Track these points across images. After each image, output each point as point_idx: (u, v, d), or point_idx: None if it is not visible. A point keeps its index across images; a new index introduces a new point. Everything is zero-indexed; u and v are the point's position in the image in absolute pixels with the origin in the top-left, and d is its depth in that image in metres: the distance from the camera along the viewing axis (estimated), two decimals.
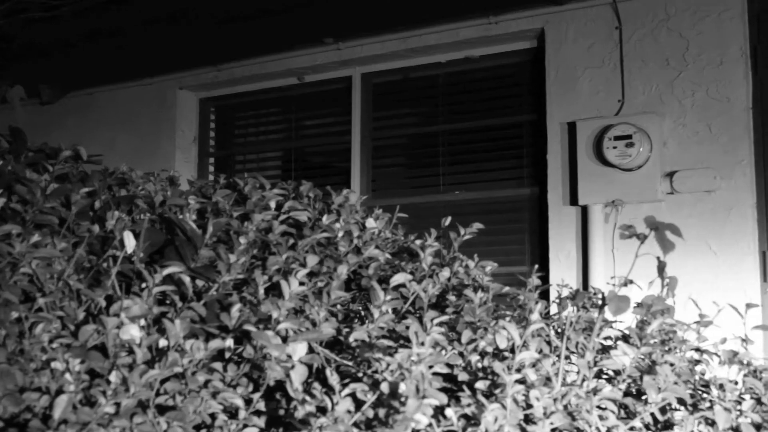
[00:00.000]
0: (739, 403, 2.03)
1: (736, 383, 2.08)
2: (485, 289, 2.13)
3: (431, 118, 5.99)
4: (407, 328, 1.77)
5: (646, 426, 1.96)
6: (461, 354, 1.90)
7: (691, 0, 4.80)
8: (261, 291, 1.84)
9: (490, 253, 2.76)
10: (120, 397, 1.47)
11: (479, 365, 1.89)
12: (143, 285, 1.69)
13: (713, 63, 4.70)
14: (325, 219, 2.34)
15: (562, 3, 5.15)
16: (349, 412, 1.54)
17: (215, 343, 1.62)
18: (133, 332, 1.53)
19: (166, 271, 1.71)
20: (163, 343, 1.60)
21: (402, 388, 1.51)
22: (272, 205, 2.37)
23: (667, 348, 2.14)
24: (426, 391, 1.53)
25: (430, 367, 1.62)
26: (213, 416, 1.62)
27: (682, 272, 4.45)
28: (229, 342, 1.68)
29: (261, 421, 1.65)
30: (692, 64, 4.76)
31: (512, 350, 1.76)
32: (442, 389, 1.66)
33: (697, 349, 2.24)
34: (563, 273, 4.92)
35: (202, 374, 1.60)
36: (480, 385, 1.75)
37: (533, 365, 1.79)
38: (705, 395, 2.09)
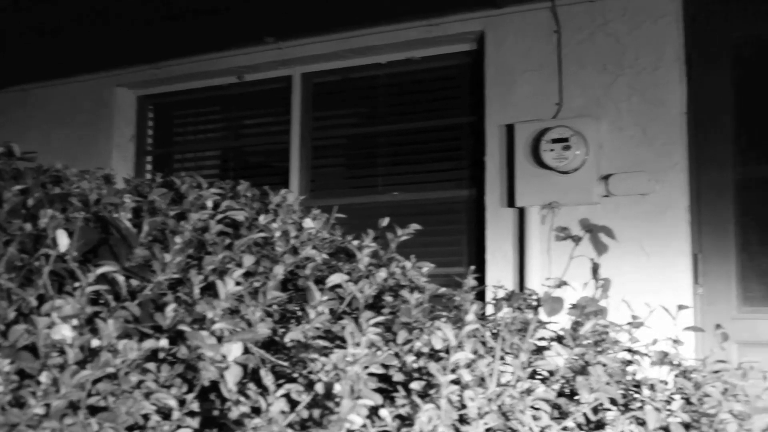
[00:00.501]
0: (669, 402, 2.06)
1: (667, 383, 2.12)
2: (421, 290, 2.14)
3: (371, 119, 5.99)
4: (343, 328, 1.77)
5: (579, 426, 1.99)
6: (397, 354, 1.90)
7: (628, 5, 4.86)
8: (196, 291, 1.83)
9: (427, 254, 2.77)
10: (50, 398, 1.45)
11: (415, 366, 1.89)
12: (76, 284, 1.67)
13: (649, 68, 4.77)
14: (262, 219, 2.33)
15: (501, 6, 5.18)
16: (283, 412, 1.53)
17: (149, 344, 1.60)
18: (64, 332, 1.51)
19: (100, 270, 1.69)
20: (95, 343, 1.58)
21: (337, 388, 1.51)
22: (209, 204, 2.35)
23: (600, 349, 2.17)
24: (361, 392, 1.53)
25: (366, 367, 1.62)
26: (146, 417, 1.60)
27: (616, 274, 4.50)
28: (164, 342, 1.66)
29: (195, 422, 1.63)
30: (629, 69, 4.82)
31: (448, 351, 1.77)
32: (378, 390, 1.66)
33: (629, 350, 2.27)
34: (500, 274, 4.95)
35: (135, 375, 1.59)
36: (415, 385, 1.76)
37: (468, 366, 1.80)
38: (636, 395, 2.12)
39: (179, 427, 1.60)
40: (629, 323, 2.28)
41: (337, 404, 1.50)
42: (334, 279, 2.01)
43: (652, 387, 2.06)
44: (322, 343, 1.83)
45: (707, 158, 4.67)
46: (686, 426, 2.02)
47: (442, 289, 2.34)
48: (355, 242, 2.45)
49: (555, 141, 4.77)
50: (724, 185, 4.63)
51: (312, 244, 2.39)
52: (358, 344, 1.70)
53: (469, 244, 5.37)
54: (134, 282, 1.86)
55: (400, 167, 5.77)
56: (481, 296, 2.77)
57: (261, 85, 6.33)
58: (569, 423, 1.92)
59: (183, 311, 1.73)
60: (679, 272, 4.58)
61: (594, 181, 4.77)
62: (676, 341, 2.27)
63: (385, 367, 1.85)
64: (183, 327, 1.63)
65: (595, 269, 2.06)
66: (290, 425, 1.57)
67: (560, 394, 2.02)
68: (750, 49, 4.72)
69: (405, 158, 5.76)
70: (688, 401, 2.09)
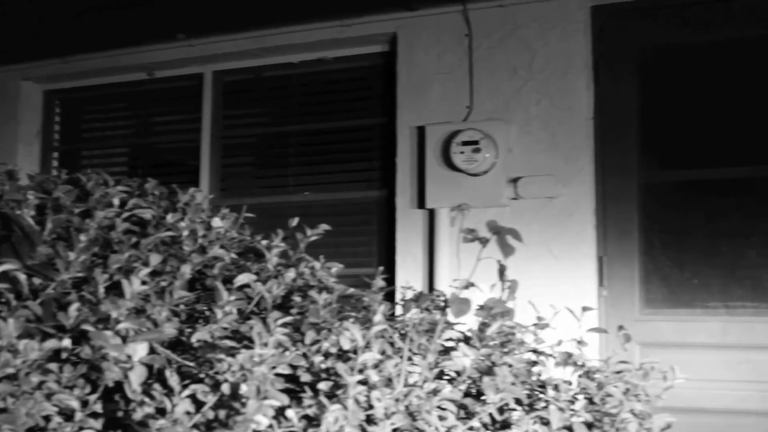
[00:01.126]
0: (573, 402, 2.10)
1: (571, 384, 2.16)
2: (330, 291, 2.14)
3: (283, 119, 5.97)
4: (251, 328, 1.76)
5: (485, 426, 2.01)
6: (305, 355, 1.90)
7: (538, 12, 4.92)
8: (101, 290, 1.80)
9: (338, 255, 2.76)
10: None
11: (323, 366, 1.89)
12: None
13: (558, 74, 4.84)
14: (170, 217, 2.31)
15: (414, 9, 5.20)
16: (188, 413, 1.52)
17: (51, 343, 1.57)
18: None
19: (1, 269, 1.66)
20: None
21: (243, 389, 1.50)
22: (116, 202, 2.32)
23: (506, 350, 2.20)
24: (267, 392, 1.53)
25: (273, 367, 1.62)
26: (47, 419, 1.57)
27: (524, 276, 4.57)
28: (66, 342, 1.63)
29: (98, 424, 1.61)
30: (538, 74, 4.88)
31: (356, 351, 1.78)
32: (285, 390, 1.66)
33: (535, 351, 2.30)
34: (410, 275, 4.97)
35: (36, 375, 1.55)
36: (322, 386, 1.76)
37: (376, 366, 1.81)
38: (541, 395, 2.15)
39: (81, 428, 1.58)
40: (535, 324, 2.32)
41: (244, 405, 1.49)
42: (241, 279, 2.00)
43: (556, 387, 2.10)
44: (229, 343, 1.82)
45: (613, 163, 4.76)
46: (589, 425, 2.06)
47: (351, 290, 2.34)
48: (264, 242, 2.44)
49: (465, 144, 4.81)
50: (628, 190, 4.73)
51: (220, 243, 2.37)
52: (265, 344, 1.69)
53: (379, 244, 5.38)
54: (37, 280, 1.83)
55: (312, 167, 5.75)
56: (390, 297, 2.77)
57: (172, 82, 6.25)
58: (475, 423, 1.94)
59: (87, 311, 1.70)
60: (584, 275, 4.66)
61: (503, 183, 4.82)
62: (580, 342, 2.31)
63: (293, 367, 1.85)
64: (87, 327, 1.60)
65: (501, 271, 2.09)
66: (195, 426, 1.55)
67: (467, 394, 2.04)
68: (654, 58, 4.83)
69: (316, 158, 5.74)
70: (591, 401, 2.14)
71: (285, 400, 1.56)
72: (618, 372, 2.22)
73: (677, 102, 4.76)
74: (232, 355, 1.60)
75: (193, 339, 1.83)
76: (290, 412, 1.61)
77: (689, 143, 4.70)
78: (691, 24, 4.76)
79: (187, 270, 2.03)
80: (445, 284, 4.72)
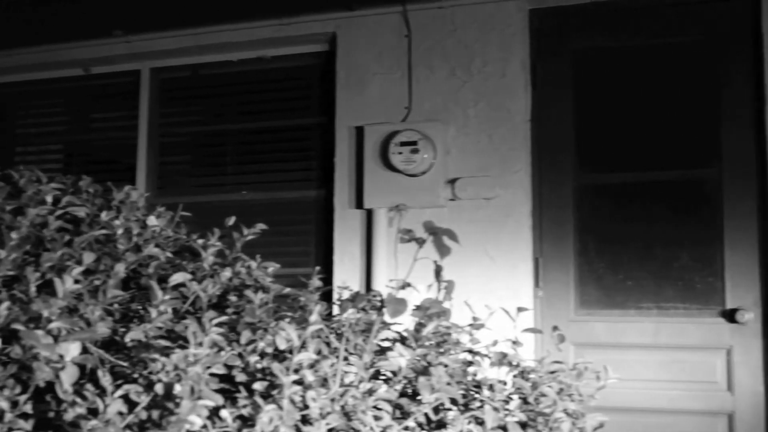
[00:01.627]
0: (508, 402, 2.12)
1: (506, 384, 2.17)
2: (266, 290, 2.13)
3: (221, 117, 5.92)
4: (186, 328, 1.75)
5: (420, 425, 2.01)
6: (240, 355, 1.89)
7: (477, 14, 4.95)
8: (32, 288, 1.77)
9: (276, 254, 2.76)
10: None
11: (258, 366, 1.88)
12: None
13: (496, 75, 4.87)
14: (105, 215, 2.28)
15: (353, 9, 5.20)
16: (121, 413, 1.50)
17: None
18: None
19: None
20: None
21: (177, 389, 1.49)
22: (49, 199, 2.28)
23: (442, 350, 2.21)
24: (202, 392, 1.52)
25: (208, 367, 1.61)
26: None
27: (461, 276, 4.59)
28: None
29: (28, 425, 1.58)
30: (477, 76, 4.91)
31: (291, 351, 1.77)
32: (220, 390, 1.65)
33: (470, 351, 2.32)
34: (347, 275, 4.98)
35: None
36: (258, 386, 1.75)
37: (312, 366, 1.81)
38: (476, 395, 2.16)
39: (11, 429, 1.55)
40: (470, 325, 2.33)
41: (177, 405, 1.48)
42: (177, 278, 1.98)
43: (491, 387, 2.11)
44: (164, 343, 1.80)
45: (549, 165, 4.81)
46: (523, 425, 2.07)
47: (287, 289, 2.34)
48: (201, 241, 2.43)
49: (403, 144, 4.82)
50: (564, 192, 4.79)
51: (155, 242, 2.35)
52: (200, 344, 1.68)
53: (317, 244, 5.37)
54: None
55: (250, 166, 5.72)
56: (328, 297, 2.77)
57: (108, 79, 6.16)
58: (410, 423, 1.95)
59: (18, 309, 1.68)
60: (521, 276, 4.70)
61: (441, 184, 4.84)
62: (515, 343, 2.33)
63: (229, 367, 1.84)
64: (17, 326, 1.58)
65: (438, 271, 2.10)
66: (128, 426, 1.54)
67: (403, 394, 2.04)
68: (590, 62, 4.88)
69: (255, 157, 5.71)
70: (525, 401, 2.15)
71: (219, 400, 1.55)
72: (552, 372, 2.25)
73: (612, 105, 4.82)
74: (167, 355, 1.59)
75: (127, 338, 1.81)
76: (224, 413, 1.60)
77: (624, 146, 4.77)
78: (626, 29, 4.82)
79: (121, 269, 2.01)
80: (382, 284, 4.72)
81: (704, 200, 4.60)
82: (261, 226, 2.58)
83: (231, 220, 2.59)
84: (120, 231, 2.27)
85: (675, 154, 4.67)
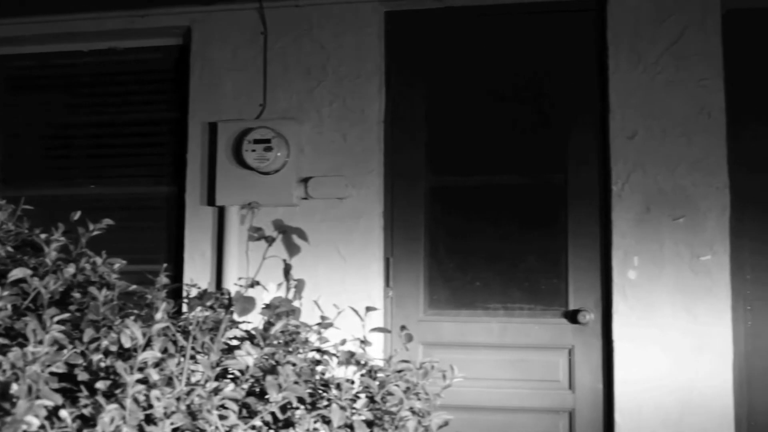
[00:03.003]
0: (355, 401, 2.13)
1: (353, 383, 2.19)
2: (112, 287, 2.09)
3: (71, 108, 5.74)
4: (26, 325, 1.70)
5: (267, 424, 2.01)
6: (83, 353, 1.85)
7: (333, 13, 4.96)
8: None
9: (125, 251, 2.70)
10: None
11: (102, 365, 1.84)
12: None
13: (351, 76, 4.90)
14: None
15: (209, 3, 5.13)
16: None
17: None
18: None
19: None
20: None
21: (14, 388, 1.44)
22: None
23: (290, 349, 2.21)
24: (40, 392, 1.48)
25: (48, 366, 1.57)
26: None
27: (313, 275, 4.61)
28: None
29: None
30: (332, 75, 4.93)
31: (136, 350, 1.74)
32: (61, 390, 1.61)
33: (319, 350, 2.33)
34: (198, 273, 4.92)
35: None
36: (100, 385, 1.72)
37: (157, 365, 1.78)
38: (324, 394, 2.17)
39: None
40: (319, 324, 2.34)
41: (14, 405, 1.43)
42: (16, 273, 1.93)
43: (338, 386, 2.12)
44: (1, 340, 1.75)
45: (402, 166, 4.87)
46: (369, 423, 2.09)
47: (133, 287, 2.29)
48: (43, 236, 2.35)
49: (257, 142, 4.80)
50: (416, 193, 4.85)
51: None
52: (40, 342, 1.64)
53: (168, 241, 5.29)
54: None
55: (100, 160, 5.57)
56: (178, 295, 2.74)
57: None
58: (257, 422, 1.94)
59: None
60: (372, 276, 4.74)
61: (294, 183, 4.83)
62: (363, 342, 2.34)
63: (71, 366, 1.79)
64: None
65: (287, 270, 2.10)
66: None
67: (250, 393, 2.03)
68: (443, 66, 4.96)
69: (105, 151, 5.57)
70: (372, 399, 2.17)
71: (58, 399, 1.51)
72: (400, 371, 2.27)
73: (464, 109, 4.90)
74: (4, 353, 1.54)
75: None
76: (64, 413, 1.56)
77: (474, 150, 4.85)
78: (477, 35, 4.91)
79: None
80: (233, 282, 4.67)
81: (550, 205, 4.73)
82: (108, 222, 2.52)
83: (76, 215, 2.52)
84: None
85: (524, 159, 4.79)
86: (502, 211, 4.79)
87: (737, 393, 4.38)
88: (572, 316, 4.60)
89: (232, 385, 1.95)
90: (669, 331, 4.40)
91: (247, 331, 2.25)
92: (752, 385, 4.51)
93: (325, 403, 2.10)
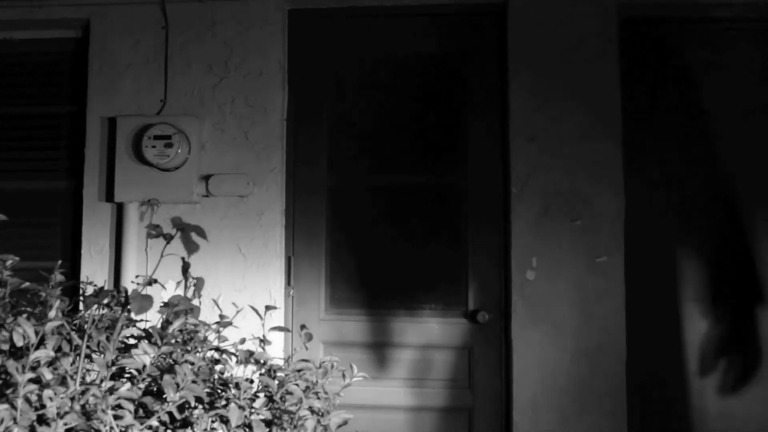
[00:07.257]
0: (254, 400, 2.12)
1: (252, 382, 2.18)
2: (3, 284, 2.04)
3: None
4: None
5: (164, 424, 1.99)
6: None
7: (236, 10, 4.93)
8: None
9: (20, 247, 2.65)
10: None
11: None
12: None
13: (254, 73, 4.87)
14: None
15: None
16: None
17: None
18: None
19: None
20: None
21: None
22: None
23: (188, 348, 2.19)
24: None
25: None
26: None
27: (214, 274, 4.58)
28: None
29: None
30: (234, 72, 4.89)
31: (29, 348, 1.70)
32: None
33: (218, 349, 2.31)
34: (96, 270, 4.83)
35: None
36: None
37: (50, 364, 1.75)
38: (223, 393, 2.15)
39: None
40: (218, 323, 2.32)
41: None
42: None
43: (237, 385, 2.11)
44: None
45: (304, 165, 4.86)
46: (268, 423, 2.09)
47: (26, 284, 2.24)
48: None
49: (157, 138, 4.73)
50: (318, 192, 4.85)
51: None
52: None
53: (64, 237, 5.18)
54: None
55: None
56: (75, 292, 2.69)
57: None
58: (154, 422, 1.92)
59: None
60: (273, 274, 4.71)
61: (195, 180, 4.78)
62: (263, 341, 2.34)
63: None
64: None
65: (185, 268, 2.07)
66: None
67: (147, 392, 2.01)
68: (346, 66, 4.96)
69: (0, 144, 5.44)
70: (271, 399, 2.17)
71: None
72: (299, 370, 2.27)
73: (368, 109, 4.91)
74: None
75: None
76: None
77: (378, 150, 4.87)
78: (381, 36, 4.93)
79: None
80: (131, 280, 4.62)
81: (452, 206, 4.78)
82: (1, 217, 2.46)
83: None
84: None
85: (426, 160, 4.82)
86: (405, 210, 4.82)
87: (630, 393, 4.48)
88: (472, 316, 4.65)
89: (128, 385, 1.93)
90: (566, 330, 4.48)
91: (144, 330, 2.23)
92: (645, 385, 4.61)
93: (224, 402, 2.09)
